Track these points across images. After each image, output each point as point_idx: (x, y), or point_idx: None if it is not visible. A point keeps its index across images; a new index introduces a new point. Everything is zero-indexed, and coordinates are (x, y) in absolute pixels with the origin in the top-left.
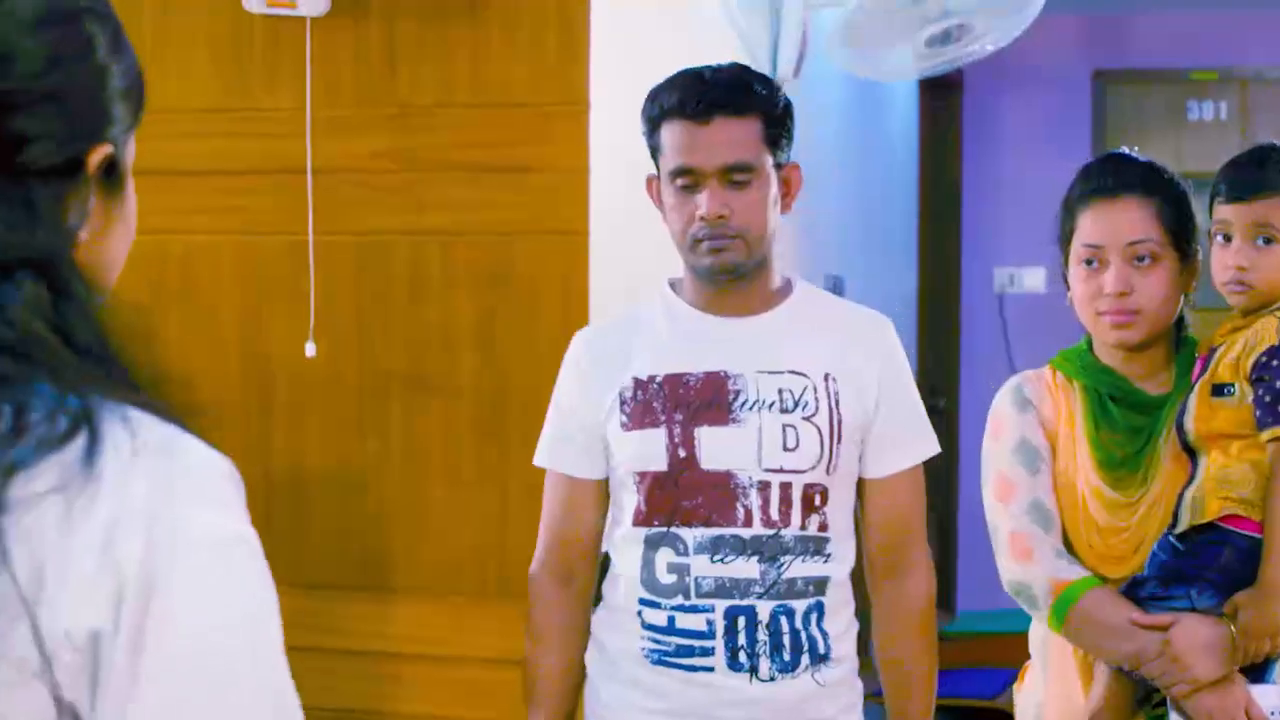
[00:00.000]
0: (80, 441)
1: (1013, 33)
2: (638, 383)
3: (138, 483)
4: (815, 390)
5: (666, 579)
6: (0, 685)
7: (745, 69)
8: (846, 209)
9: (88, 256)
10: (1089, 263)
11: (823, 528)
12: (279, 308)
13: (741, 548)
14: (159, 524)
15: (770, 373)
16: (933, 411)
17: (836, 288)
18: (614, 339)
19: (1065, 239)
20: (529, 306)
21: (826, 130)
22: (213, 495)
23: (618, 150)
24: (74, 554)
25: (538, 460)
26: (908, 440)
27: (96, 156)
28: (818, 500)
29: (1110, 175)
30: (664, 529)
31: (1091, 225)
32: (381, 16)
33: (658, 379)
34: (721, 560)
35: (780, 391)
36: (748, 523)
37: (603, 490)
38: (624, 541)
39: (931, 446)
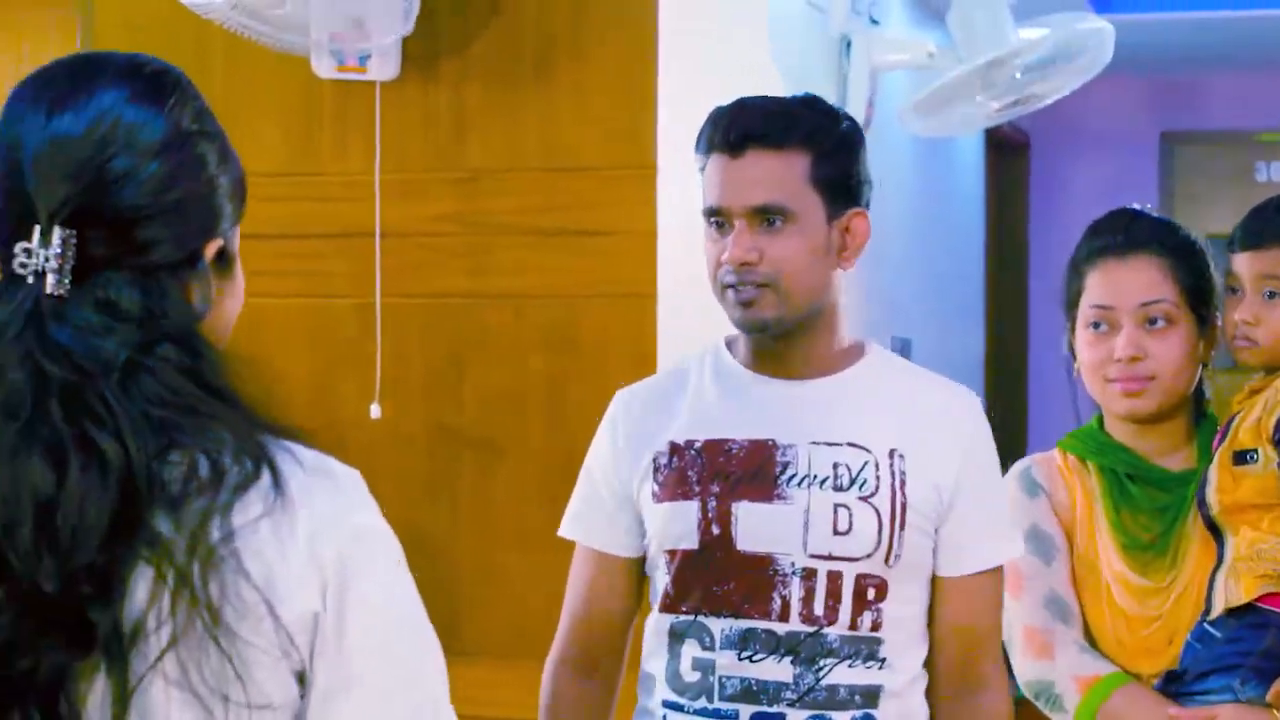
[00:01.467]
0: (266, 475)
1: (1075, 83)
2: (674, 448)
3: (318, 499)
4: (877, 467)
5: (691, 676)
6: (261, 667)
7: (807, 98)
8: (914, 271)
9: (207, 325)
10: (1097, 325)
11: (875, 626)
12: (346, 370)
13: (774, 645)
14: (341, 529)
15: (826, 444)
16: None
17: (905, 350)
18: (655, 398)
19: (1071, 302)
20: (597, 369)
21: (893, 192)
22: (364, 500)
23: (686, 213)
24: (289, 561)
25: (564, 531)
26: (988, 537)
27: (211, 249)
28: (872, 594)
29: (1121, 232)
30: (691, 617)
31: (1100, 285)
32: (450, 82)
33: (696, 444)
34: (749, 659)
35: (835, 466)
36: (784, 616)
37: (634, 569)
38: (653, 631)
39: (1015, 548)
